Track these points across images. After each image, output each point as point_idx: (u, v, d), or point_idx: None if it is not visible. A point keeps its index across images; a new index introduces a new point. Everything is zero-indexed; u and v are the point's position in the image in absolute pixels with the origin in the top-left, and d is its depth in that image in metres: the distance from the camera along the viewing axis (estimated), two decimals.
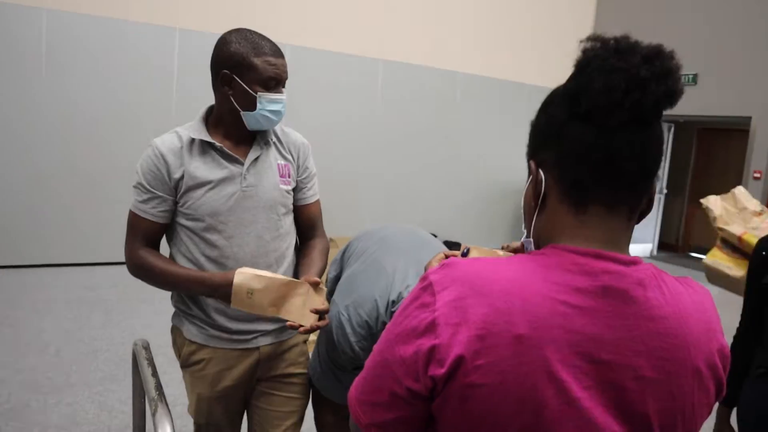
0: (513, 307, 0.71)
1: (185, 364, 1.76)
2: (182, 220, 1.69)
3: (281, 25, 6.29)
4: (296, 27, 6.45)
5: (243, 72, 1.61)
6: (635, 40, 0.77)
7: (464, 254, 1.08)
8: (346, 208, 6.75)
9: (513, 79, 8.21)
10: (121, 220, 1.81)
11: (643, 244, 9.39)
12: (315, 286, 1.60)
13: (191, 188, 1.65)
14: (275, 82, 1.63)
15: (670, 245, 9.88)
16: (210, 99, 1.69)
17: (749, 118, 7.46)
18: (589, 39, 0.78)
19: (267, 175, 1.73)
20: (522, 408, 0.70)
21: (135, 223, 1.67)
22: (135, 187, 1.67)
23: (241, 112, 1.64)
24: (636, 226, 0.95)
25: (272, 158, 1.76)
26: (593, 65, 0.75)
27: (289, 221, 1.81)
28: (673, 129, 9.46)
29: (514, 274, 0.74)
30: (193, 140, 1.67)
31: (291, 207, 1.81)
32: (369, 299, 1.61)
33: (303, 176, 1.84)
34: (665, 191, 9.59)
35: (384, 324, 1.55)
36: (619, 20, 8.80)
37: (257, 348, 1.77)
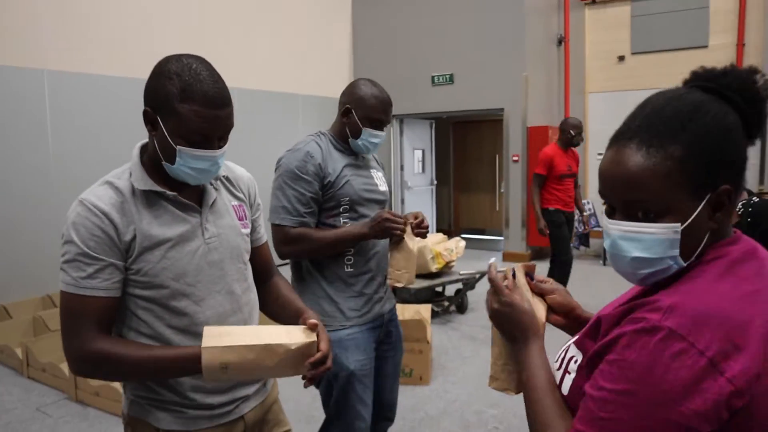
0: (753, 311, 0.81)
1: None
2: (136, 291, 1.38)
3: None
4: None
5: (165, 116, 1.33)
6: None
7: (514, 275, 1.19)
8: None
9: (287, 91, 8.24)
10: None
11: None
12: (313, 328, 1.40)
13: (146, 250, 1.35)
14: (202, 138, 1.34)
15: (445, 231, 10.78)
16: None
17: (502, 109, 8.46)
18: (757, 72, 0.92)
19: (226, 221, 1.51)
20: None
21: (81, 306, 1.31)
22: (72, 261, 1.31)
23: (163, 161, 1.38)
24: None
25: (226, 200, 1.53)
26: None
27: (250, 268, 1.61)
28: (434, 125, 10.35)
29: (731, 292, 0.83)
30: (135, 190, 1.37)
31: (250, 252, 1.61)
32: None
33: (256, 215, 1.65)
34: (435, 182, 10.44)
35: None
36: (376, 30, 9.33)
37: (241, 417, 1.54)
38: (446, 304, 5.87)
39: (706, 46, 8.78)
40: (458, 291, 5.95)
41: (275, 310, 1.67)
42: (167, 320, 1.41)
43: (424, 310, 4.54)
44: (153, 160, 1.42)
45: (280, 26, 8.14)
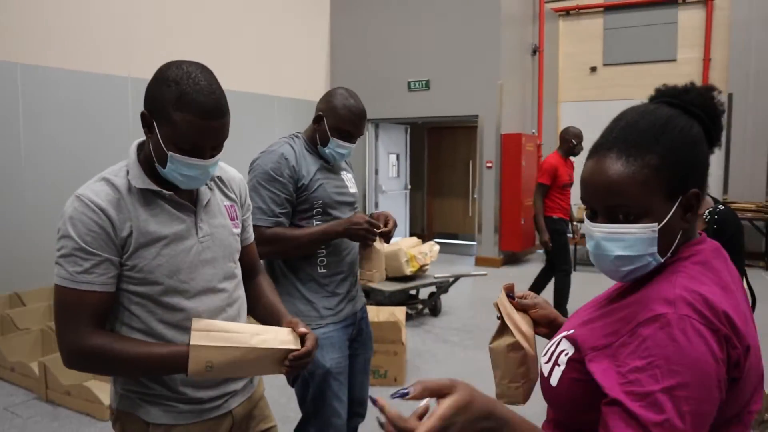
0: (735, 303, 0.93)
1: None
2: (130, 286, 1.40)
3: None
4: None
5: (160, 122, 1.35)
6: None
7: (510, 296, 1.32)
8: None
9: (263, 93, 8.23)
10: None
11: (396, 237, 10.18)
12: (302, 335, 1.45)
13: (142, 246, 1.38)
14: (193, 147, 1.36)
15: (418, 235, 10.86)
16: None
17: (477, 116, 8.58)
18: (714, 89, 1.03)
19: (219, 220, 1.54)
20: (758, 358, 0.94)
21: (77, 300, 1.32)
22: (68, 255, 1.32)
23: (155, 164, 1.41)
24: None
25: (219, 200, 1.57)
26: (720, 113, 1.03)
27: (239, 266, 1.65)
28: (409, 130, 10.43)
29: (715, 283, 0.95)
30: (131, 188, 1.39)
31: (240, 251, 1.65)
32: None
33: (245, 215, 1.68)
34: (409, 187, 10.52)
35: None
36: (353, 35, 9.38)
37: (229, 412, 1.57)
38: (420, 306, 5.93)
39: (674, 60, 9.04)
40: (432, 294, 6.01)
41: (257, 311, 1.71)
42: (160, 315, 1.43)
43: (399, 312, 4.59)
44: (149, 160, 1.44)
45: (258, 28, 8.13)
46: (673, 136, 0.97)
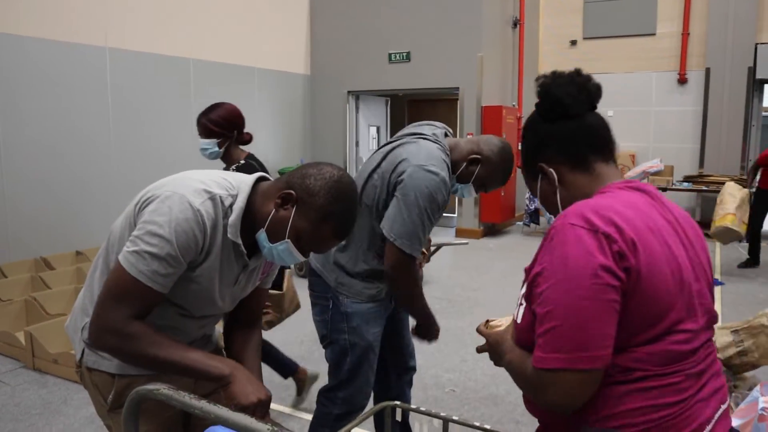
0: (630, 214, 1.07)
1: (119, 404, 1.48)
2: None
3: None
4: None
5: (301, 213, 1.42)
6: (566, 71, 1.23)
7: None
8: (90, 214, 6.06)
9: (243, 64, 8.15)
10: None
11: None
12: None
13: (196, 277, 1.44)
14: (309, 251, 1.48)
15: None
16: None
17: (457, 88, 8.60)
18: (542, 76, 1.26)
19: (254, 278, 1.64)
20: (670, 265, 1.07)
21: (142, 294, 1.34)
22: (158, 257, 1.32)
23: (263, 230, 1.49)
24: None
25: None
26: (556, 85, 1.23)
27: None
28: (389, 102, 10.41)
29: (611, 200, 1.11)
30: (225, 224, 1.46)
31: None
32: None
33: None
34: None
35: None
36: (333, 7, 9.28)
37: None
38: None
39: (653, 34, 9.13)
40: None
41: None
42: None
43: None
44: (253, 217, 1.44)
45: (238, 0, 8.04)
46: (523, 135, 1.32)
